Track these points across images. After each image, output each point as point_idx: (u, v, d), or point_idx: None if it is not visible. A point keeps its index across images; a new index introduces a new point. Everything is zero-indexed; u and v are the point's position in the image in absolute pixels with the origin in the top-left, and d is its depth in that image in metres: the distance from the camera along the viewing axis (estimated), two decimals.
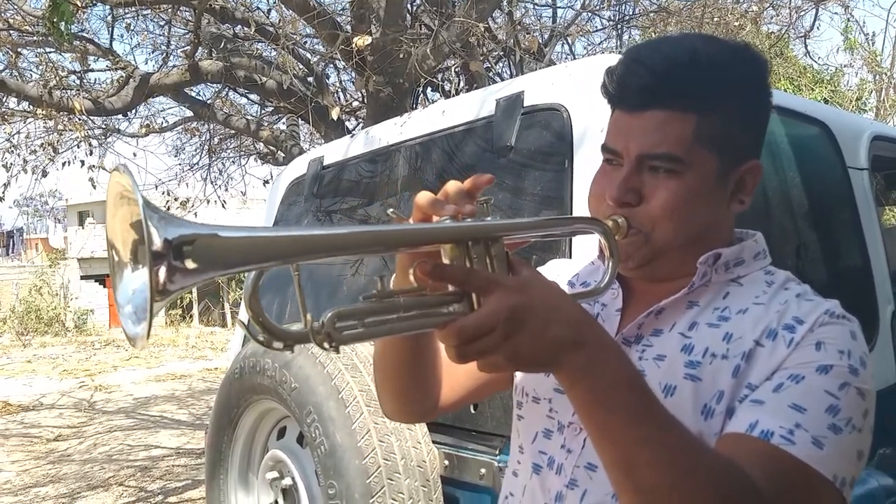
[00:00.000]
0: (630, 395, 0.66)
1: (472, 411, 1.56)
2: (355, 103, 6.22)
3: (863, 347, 0.76)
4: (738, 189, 0.86)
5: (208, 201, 7.44)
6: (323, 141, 4.88)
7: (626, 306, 0.90)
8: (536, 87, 1.65)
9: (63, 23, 3.78)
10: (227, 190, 7.92)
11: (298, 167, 2.41)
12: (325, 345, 0.62)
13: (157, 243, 0.52)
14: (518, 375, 0.98)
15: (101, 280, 26.27)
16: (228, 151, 7.91)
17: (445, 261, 0.70)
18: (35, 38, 5.06)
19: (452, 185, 0.74)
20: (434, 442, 1.57)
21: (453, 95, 4.93)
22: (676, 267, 0.85)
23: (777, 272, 0.87)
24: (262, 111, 6.73)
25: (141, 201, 0.52)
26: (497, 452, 1.47)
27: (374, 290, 0.66)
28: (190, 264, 0.54)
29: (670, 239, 0.83)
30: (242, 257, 0.59)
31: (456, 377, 0.98)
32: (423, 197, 0.73)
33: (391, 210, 0.77)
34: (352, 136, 2.34)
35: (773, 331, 0.77)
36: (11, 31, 4.95)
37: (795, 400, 0.71)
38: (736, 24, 5.83)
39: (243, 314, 2.46)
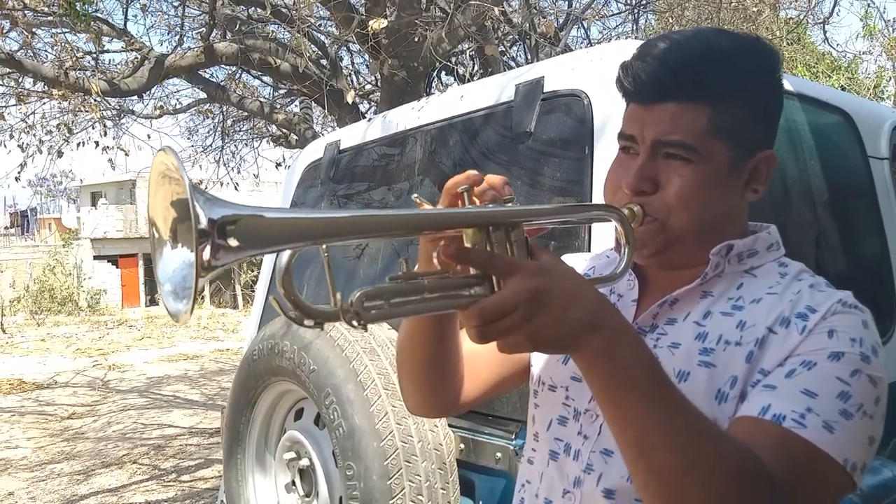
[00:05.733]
0: (646, 376, 0.68)
1: None
2: (369, 86, 6.21)
3: (875, 337, 0.78)
4: (752, 179, 0.88)
5: (221, 183, 7.47)
6: (336, 124, 4.87)
7: (642, 296, 0.92)
8: (557, 73, 1.64)
9: (79, 3, 3.79)
10: (239, 172, 7.97)
11: (315, 151, 2.41)
12: (354, 323, 0.64)
13: (203, 222, 0.54)
14: (535, 366, 0.99)
15: (114, 260, 26.47)
16: (241, 134, 7.93)
17: (467, 245, 0.71)
18: (51, 18, 5.06)
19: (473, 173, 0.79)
20: (450, 426, 1.59)
21: (468, 79, 4.91)
22: (692, 255, 0.87)
23: (791, 263, 0.88)
24: (276, 94, 6.72)
25: (188, 183, 0.54)
26: (513, 437, 1.48)
27: (400, 272, 0.68)
28: (233, 242, 0.56)
29: (685, 226, 0.84)
30: (280, 237, 0.62)
31: (477, 372, 1.00)
32: (452, 180, 0.77)
33: (415, 196, 0.79)
34: (369, 121, 2.33)
35: (786, 318, 0.79)
36: (27, 11, 4.96)
37: (807, 385, 0.73)
38: (754, 9, 5.74)
39: (261, 293, 2.48)
